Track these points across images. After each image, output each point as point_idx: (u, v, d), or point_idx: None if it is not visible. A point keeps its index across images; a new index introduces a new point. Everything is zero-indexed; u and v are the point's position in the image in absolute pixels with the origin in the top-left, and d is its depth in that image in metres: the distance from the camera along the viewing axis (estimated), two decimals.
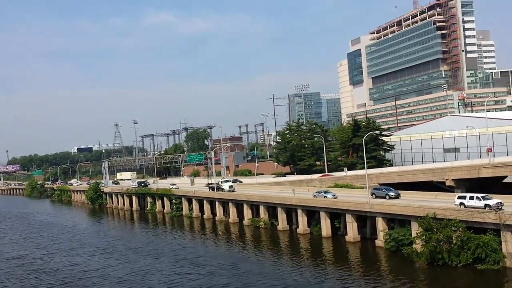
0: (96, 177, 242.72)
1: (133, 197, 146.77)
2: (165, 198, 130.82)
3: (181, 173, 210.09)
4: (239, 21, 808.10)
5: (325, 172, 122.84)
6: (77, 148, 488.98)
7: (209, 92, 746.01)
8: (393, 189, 77.21)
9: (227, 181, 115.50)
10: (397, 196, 74.56)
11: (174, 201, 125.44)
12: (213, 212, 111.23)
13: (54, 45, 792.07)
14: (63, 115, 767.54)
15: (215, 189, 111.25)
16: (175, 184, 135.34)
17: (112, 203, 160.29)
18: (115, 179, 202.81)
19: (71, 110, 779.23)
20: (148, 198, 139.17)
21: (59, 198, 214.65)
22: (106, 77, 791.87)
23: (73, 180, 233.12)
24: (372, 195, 76.03)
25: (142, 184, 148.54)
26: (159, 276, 60.91)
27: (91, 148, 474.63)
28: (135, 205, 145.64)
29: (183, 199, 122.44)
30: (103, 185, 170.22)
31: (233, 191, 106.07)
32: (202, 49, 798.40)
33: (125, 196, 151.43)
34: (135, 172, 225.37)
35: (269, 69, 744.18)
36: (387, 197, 74.48)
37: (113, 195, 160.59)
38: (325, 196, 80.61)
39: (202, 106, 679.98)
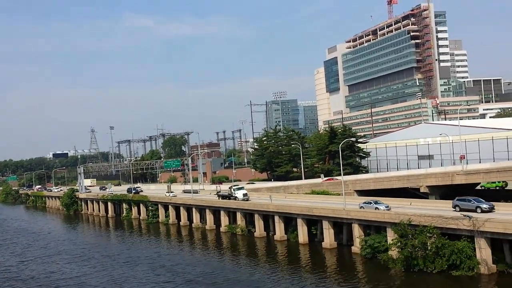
0: (71, 183, 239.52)
1: (109, 204, 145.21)
2: (141, 205, 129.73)
3: (158, 179, 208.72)
4: (217, 27, 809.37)
5: (301, 179, 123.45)
6: (53, 154, 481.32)
7: (187, 97, 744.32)
8: (483, 200, 62.27)
9: (241, 188, 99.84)
10: (491, 209, 59.42)
11: (150, 207, 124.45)
12: (190, 219, 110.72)
13: (29, 47, 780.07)
14: (39, 120, 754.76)
15: (225, 197, 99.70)
16: (172, 192, 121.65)
17: (88, 209, 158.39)
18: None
19: (47, 115, 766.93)
20: (124, 204, 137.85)
21: (33, 204, 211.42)
22: (82, 81, 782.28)
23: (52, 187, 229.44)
24: (454, 208, 63.00)
25: (134, 191, 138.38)
26: (137, 285, 60.37)
27: (67, 153, 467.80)
28: (110, 212, 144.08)
29: (159, 205, 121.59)
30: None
31: (247, 199, 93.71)
32: (180, 54, 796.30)
33: (100, 202, 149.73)
34: (95, 179, 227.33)
35: (247, 76, 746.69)
36: (479, 210, 59.44)
37: (89, 201, 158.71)
38: (376, 208, 68.78)
39: (179, 111, 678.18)
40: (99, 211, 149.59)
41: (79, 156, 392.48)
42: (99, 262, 75.95)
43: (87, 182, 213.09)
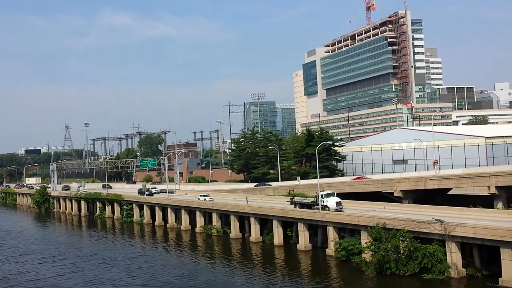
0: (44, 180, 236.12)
1: (82, 202, 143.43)
2: (115, 204, 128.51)
3: (133, 178, 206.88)
4: (196, 28, 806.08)
5: (278, 181, 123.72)
6: (25, 150, 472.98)
7: (165, 97, 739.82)
8: None
9: (332, 194, 75.84)
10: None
11: (124, 206, 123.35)
12: (165, 218, 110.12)
13: (3, 42, 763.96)
14: (11, 115, 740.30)
15: (304, 205, 77.97)
16: (207, 195, 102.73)
17: (60, 207, 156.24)
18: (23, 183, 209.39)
19: (19, 110, 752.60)
20: (98, 203, 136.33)
21: (3, 201, 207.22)
22: (58, 77, 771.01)
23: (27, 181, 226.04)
24: None
25: (147, 193, 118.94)
26: (116, 287, 59.51)
27: (40, 150, 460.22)
28: (83, 210, 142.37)
29: (134, 205, 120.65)
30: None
31: (341, 209, 71.83)
32: (159, 54, 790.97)
33: (73, 200, 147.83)
34: (40, 178, 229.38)
35: (226, 77, 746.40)
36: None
37: (61, 199, 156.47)
38: None
39: (157, 111, 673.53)
40: (72, 209, 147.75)
41: (52, 153, 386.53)
42: (73, 263, 74.82)
43: (32, 180, 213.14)
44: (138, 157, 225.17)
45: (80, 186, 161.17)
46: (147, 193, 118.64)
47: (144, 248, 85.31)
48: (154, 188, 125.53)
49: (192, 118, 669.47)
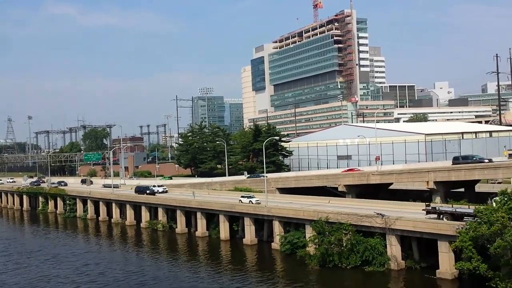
0: None
1: (24, 196, 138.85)
2: (58, 198, 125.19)
3: (77, 172, 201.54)
4: (144, 20, 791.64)
5: (225, 175, 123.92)
6: None
7: (111, 89, 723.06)
8: None
9: None
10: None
11: (68, 201, 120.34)
12: (109, 214, 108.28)
13: None
14: None
15: (462, 217, 51.88)
16: (253, 197, 79.00)
17: (1, 202, 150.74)
18: None
19: None
20: (40, 198, 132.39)
21: None
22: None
23: None
24: None
25: (148, 191, 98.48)
26: (61, 285, 57.95)
27: None
28: (25, 205, 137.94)
29: (77, 199, 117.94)
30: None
31: None
32: (104, 45, 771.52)
33: (15, 195, 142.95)
34: None
35: (174, 70, 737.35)
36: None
37: (3, 193, 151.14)
38: None
39: (102, 103, 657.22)
40: (13, 204, 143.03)
41: None
42: (16, 259, 72.67)
43: None
44: (82, 151, 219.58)
45: (62, 182, 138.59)
46: (148, 191, 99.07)
47: (90, 245, 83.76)
48: (162, 186, 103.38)
49: (138, 111, 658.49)
